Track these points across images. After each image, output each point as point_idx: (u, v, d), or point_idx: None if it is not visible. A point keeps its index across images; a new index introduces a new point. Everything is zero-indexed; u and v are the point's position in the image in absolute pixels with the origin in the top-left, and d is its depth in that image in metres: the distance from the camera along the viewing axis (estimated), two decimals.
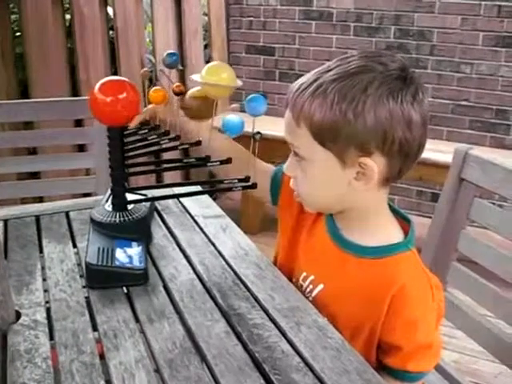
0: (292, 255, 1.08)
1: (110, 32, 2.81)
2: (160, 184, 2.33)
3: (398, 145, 0.89)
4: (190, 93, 1.09)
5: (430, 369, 1.01)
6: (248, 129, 1.02)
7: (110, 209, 1.11)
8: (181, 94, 1.09)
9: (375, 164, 0.90)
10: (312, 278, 1.02)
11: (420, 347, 0.95)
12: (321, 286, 1.01)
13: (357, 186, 0.92)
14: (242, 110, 1.04)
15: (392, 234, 0.98)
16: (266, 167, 1.16)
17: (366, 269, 0.96)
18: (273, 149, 1.73)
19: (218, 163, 1.08)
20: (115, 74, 2.77)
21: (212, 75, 1.04)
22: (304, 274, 1.04)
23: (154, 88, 1.11)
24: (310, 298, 1.01)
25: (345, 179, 0.92)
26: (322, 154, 0.91)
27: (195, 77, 1.05)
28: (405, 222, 1.00)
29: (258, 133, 1.00)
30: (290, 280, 1.05)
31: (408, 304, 0.92)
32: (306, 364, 0.82)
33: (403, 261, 0.95)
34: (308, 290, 1.03)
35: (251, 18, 3.43)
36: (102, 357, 0.83)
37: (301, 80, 0.94)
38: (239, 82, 1.07)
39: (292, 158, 0.98)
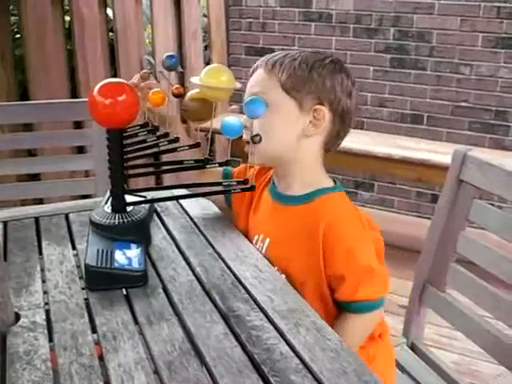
0: (247, 232, 1.23)
1: (110, 34, 2.81)
2: (159, 186, 2.33)
3: (341, 107, 1.11)
4: (189, 95, 1.09)
5: (379, 295, 1.11)
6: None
7: (109, 210, 1.11)
8: (180, 95, 1.09)
9: (327, 112, 1.10)
10: (261, 236, 1.18)
11: (363, 272, 1.07)
12: (267, 241, 1.16)
13: (308, 132, 1.11)
14: (242, 112, 1.05)
15: (322, 183, 1.14)
16: (216, 171, 1.26)
17: (300, 213, 1.12)
18: None
19: (217, 165, 1.09)
20: (115, 75, 2.77)
21: (211, 78, 1.05)
22: (256, 236, 1.19)
23: (154, 90, 1.11)
24: (263, 255, 1.13)
25: (300, 124, 1.10)
26: (286, 100, 1.09)
27: (194, 79, 1.06)
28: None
29: (257, 135, 1.01)
30: None
31: (340, 235, 1.07)
32: (305, 366, 0.82)
33: (329, 199, 1.12)
34: (260, 248, 1.17)
35: (250, 20, 3.44)
36: (101, 359, 0.83)
37: (267, 55, 1.15)
38: (238, 84, 1.08)
39: (248, 124, 1.07)
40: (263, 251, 1.15)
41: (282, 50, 1.18)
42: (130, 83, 1.10)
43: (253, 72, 1.15)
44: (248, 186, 1.09)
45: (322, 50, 1.35)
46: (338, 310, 1.11)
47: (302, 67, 1.10)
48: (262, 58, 1.15)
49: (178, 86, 1.10)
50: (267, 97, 1.08)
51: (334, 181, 1.16)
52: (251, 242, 1.19)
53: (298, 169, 1.14)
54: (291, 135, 1.11)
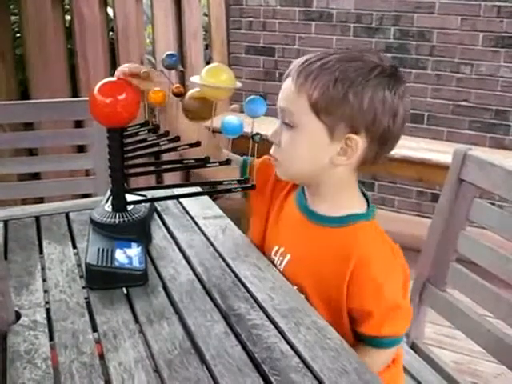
0: (264, 236, 1.15)
1: (110, 33, 2.81)
2: (160, 185, 2.33)
3: (381, 130, 0.97)
4: (189, 94, 1.09)
5: (403, 331, 1.06)
6: (247, 129, 1.03)
7: (109, 209, 1.11)
8: (180, 95, 1.09)
9: (360, 141, 0.97)
10: (282, 250, 1.09)
11: (390, 309, 1.00)
12: (288, 257, 1.08)
13: (338, 161, 0.99)
14: (243, 111, 1.04)
15: (355, 206, 1.05)
16: (235, 159, 1.17)
17: (329, 236, 1.03)
18: None
19: (217, 164, 1.08)
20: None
21: (211, 77, 1.04)
22: (276, 247, 1.11)
23: (154, 89, 1.11)
24: (281, 270, 1.07)
25: (328, 152, 0.99)
26: (315, 124, 0.97)
27: (194, 78, 1.05)
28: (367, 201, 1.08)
29: (258, 134, 1.01)
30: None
31: (371, 272, 0.98)
32: (305, 364, 0.82)
33: (363, 230, 1.02)
34: (278, 262, 1.09)
35: (251, 19, 3.44)
36: (101, 357, 0.83)
37: (306, 56, 1.00)
38: (238, 84, 1.07)
39: (279, 126, 1.02)
40: (281, 266, 1.08)
41: (315, 52, 1.00)
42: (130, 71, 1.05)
43: (285, 78, 1.02)
44: (249, 185, 1.09)
45: (371, 48, 1.12)
46: (356, 337, 1.03)
47: (338, 87, 0.94)
48: (297, 63, 1.00)
49: (178, 85, 1.10)
50: (294, 115, 0.99)
51: (367, 200, 1.07)
52: (264, 249, 1.14)
53: (328, 190, 1.04)
54: (318, 161, 1.00)
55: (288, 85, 1.00)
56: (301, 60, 1.00)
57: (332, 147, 0.98)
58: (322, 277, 1.02)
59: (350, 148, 0.97)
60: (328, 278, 1.01)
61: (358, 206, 1.05)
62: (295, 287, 1.02)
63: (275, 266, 1.09)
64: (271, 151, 1.05)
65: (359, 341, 1.03)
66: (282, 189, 1.14)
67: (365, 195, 1.08)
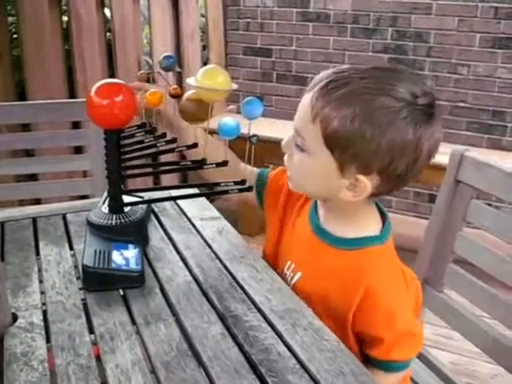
0: (279, 248, 1.12)
1: (107, 34, 2.81)
2: (157, 186, 2.33)
3: (398, 172, 0.90)
4: (186, 95, 1.09)
5: (413, 356, 1.05)
6: (245, 131, 1.03)
7: (106, 211, 1.11)
8: (177, 96, 1.09)
9: (370, 183, 0.91)
10: (293, 266, 1.06)
11: (401, 336, 0.98)
12: (299, 274, 1.05)
13: (346, 196, 0.94)
14: (240, 112, 1.04)
15: (370, 227, 1.00)
16: (251, 170, 1.15)
17: (341, 259, 0.99)
18: (270, 151, 1.74)
19: (214, 166, 1.08)
20: (112, 75, 2.77)
21: (207, 79, 1.04)
22: (288, 262, 1.08)
23: (151, 90, 1.11)
24: (291, 286, 1.05)
25: (337, 184, 0.94)
26: (326, 156, 0.91)
27: (190, 80, 1.05)
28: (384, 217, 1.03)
29: (255, 135, 1.01)
30: (276, 271, 1.08)
31: (383, 296, 0.95)
32: (302, 366, 0.82)
33: (376, 255, 0.97)
34: (289, 278, 1.06)
35: (248, 20, 3.44)
36: (98, 359, 0.83)
37: (333, 73, 0.91)
38: (234, 86, 1.06)
39: (292, 137, 0.97)
40: (292, 281, 1.05)
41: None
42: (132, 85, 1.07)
43: (307, 91, 0.93)
44: (246, 186, 1.09)
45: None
46: (363, 358, 0.99)
47: (355, 123, 0.86)
48: (321, 79, 0.91)
49: (175, 86, 1.10)
50: (306, 141, 0.93)
51: (383, 217, 1.01)
52: (278, 262, 1.11)
53: (341, 210, 1.00)
54: (329, 186, 0.95)
55: (306, 103, 0.92)
56: (325, 78, 0.90)
57: (341, 181, 0.93)
58: (329, 300, 0.99)
59: (359, 187, 0.92)
60: (335, 303, 0.98)
61: (373, 227, 1.00)
62: (307, 304, 0.98)
63: (286, 280, 1.06)
64: (285, 161, 1.01)
65: (367, 362, 0.99)
66: (298, 198, 1.10)
67: (381, 211, 1.03)
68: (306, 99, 0.92)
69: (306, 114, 0.91)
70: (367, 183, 0.91)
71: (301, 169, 0.97)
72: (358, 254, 0.98)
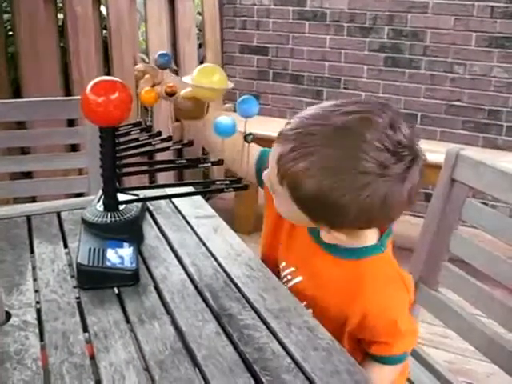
0: (274, 244, 1.12)
1: (103, 31, 2.80)
2: (152, 184, 2.33)
3: (374, 222, 0.93)
4: (181, 93, 1.09)
5: (410, 347, 1.07)
6: (241, 129, 1.02)
7: (101, 209, 1.11)
8: (173, 94, 1.09)
9: (343, 235, 0.94)
10: (292, 269, 1.07)
11: (402, 336, 1.00)
12: (299, 278, 1.06)
13: (324, 234, 0.99)
14: (235, 110, 1.04)
15: (367, 236, 1.00)
16: (254, 149, 1.14)
17: (340, 269, 1.00)
18: None
19: (210, 164, 1.08)
20: (108, 73, 2.76)
21: (203, 77, 1.04)
22: (283, 263, 1.09)
23: (146, 89, 1.11)
24: (287, 287, 1.06)
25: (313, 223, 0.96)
26: (298, 210, 0.93)
27: (186, 79, 1.05)
28: None
29: (250, 134, 1.00)
30: (271, 267, 1.09)
31: (384, 308, 0.97)
32: (297, 365, 0.82)
33: (376, 264, 0.99)
34: (286, 279, 1.08)
35: (245, 18, 3.43)
36: (92, 358, 0.83)
37: (297, 133, 0.89)
38: (230, 85, 1.06)
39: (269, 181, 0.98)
40: (290, 283, 1.06)
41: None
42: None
43: (275, 143, 0.93)
44: (241, 185, 1.09)
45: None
46: (362, 353, 1.02)
47: (320, 193, 0.86)
48: (287, 131, 0.90)
49: (171, 84, 1.10)
50: (277, 191, 0.95)
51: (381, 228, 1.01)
52: (272, 262, 1.11)
53: None
54: (310, 224, 0.97)
55: (273, 160, 0.92)
56: (291, 139, 0.88)
57: (317, 225, 0.97)
58: (330, 305, 1.00)
59: (333, 235, 0.95)
60: (336, 308, 0.99)
61: (371, 236, 1.00)
62: (305, 304, 1.00)
63: (280, 279, 1.07)
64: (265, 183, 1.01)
65: (367, 354, 1.01)
66: None
67: None
68: (275, 152, 0.92)
69: (273, 168, 0.93)
70: (340, 235, 0.94)
71: (281, 207, 1.00)
72: (359, 263, 0.99)
